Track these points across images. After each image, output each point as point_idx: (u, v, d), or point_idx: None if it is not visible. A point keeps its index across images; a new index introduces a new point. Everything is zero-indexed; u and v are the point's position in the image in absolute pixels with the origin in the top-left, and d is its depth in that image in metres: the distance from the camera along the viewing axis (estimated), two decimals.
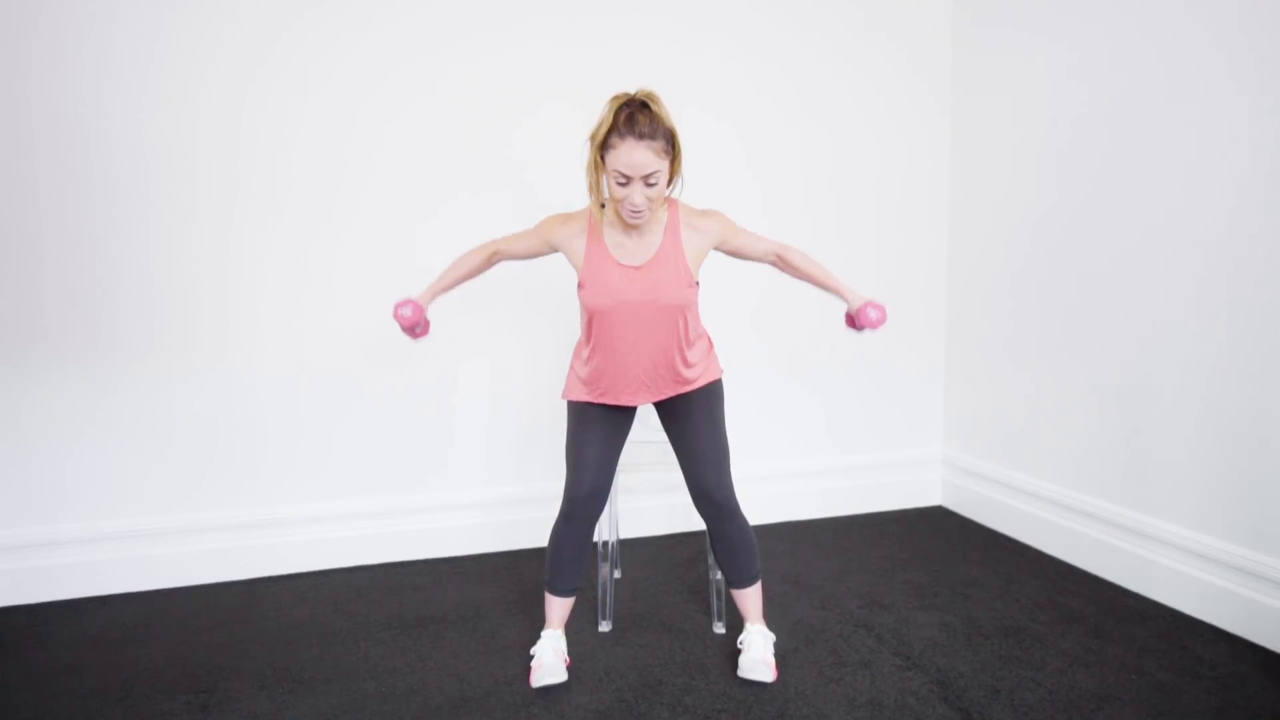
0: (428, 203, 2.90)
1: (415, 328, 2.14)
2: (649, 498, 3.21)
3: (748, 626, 2.22)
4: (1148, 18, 2.53)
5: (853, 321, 2.16)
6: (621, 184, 1.89)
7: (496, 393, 3.04)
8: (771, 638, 2.22)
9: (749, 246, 2.15)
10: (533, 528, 3.06)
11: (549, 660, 2.12)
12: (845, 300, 2.15)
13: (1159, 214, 2.53)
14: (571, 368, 2.21)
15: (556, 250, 2.12)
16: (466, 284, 2.93)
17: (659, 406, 2.23)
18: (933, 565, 2.87)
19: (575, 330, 2.84)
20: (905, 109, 3.35)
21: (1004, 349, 3.19)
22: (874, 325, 2.09)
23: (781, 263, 2.18)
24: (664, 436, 2.94)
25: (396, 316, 2.08)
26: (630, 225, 2.00)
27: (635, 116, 1.86)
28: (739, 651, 2.24)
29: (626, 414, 2.22)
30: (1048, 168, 2.92)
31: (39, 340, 2.61)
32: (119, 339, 2.68)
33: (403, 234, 2.89)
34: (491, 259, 2.17)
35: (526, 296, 3.00)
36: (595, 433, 2.15)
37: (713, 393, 2.19)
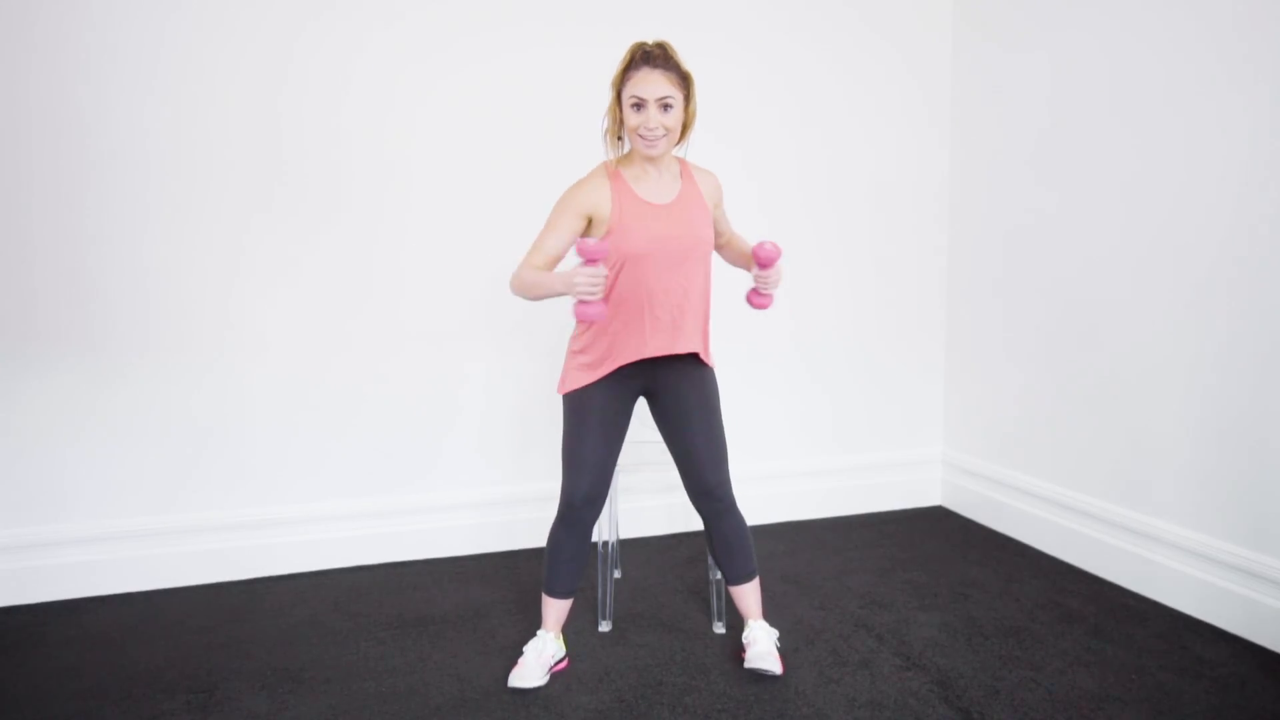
0: (425, 204, 2.90)
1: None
2: (649, 498, 3.21)
3: (750, 623, 2.22)
4: (1145, 19, 2.53)
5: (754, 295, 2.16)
6: (637, 106, 1.96)
7: (496, 393, 3.04)
8: (775, 633, 2.22)
9: (724, 221, 2.27)
10: (532, 527, 3.06)
11: (529, 663, 2.12)
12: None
13: (1158, 214, 2.53)
14: (568, 357, 2.16)
15: (589, 218, 2.03)
16: (465, 282, 2.96)
17: (652, 402, 2.19)
18: (933, 565, 2.87)
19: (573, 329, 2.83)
20: (906, 110, 3.35)
21: (1003, 349, 3.19)
22: (765, 264, 2.09)
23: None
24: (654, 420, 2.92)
25: (589, 314, 1.92)
26: (647, 157, 2.02)
27: (650, 52, 1.97)
28: (740, 650, 2.24)
29: (625, 407, 2.16)
30: (1047, 168, 2.92)
31: (37, 340, 2.61)
32: (117, 338, 2.68)
33: (400, 234, 2.89)
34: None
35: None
36: (594, 433, 2.11)
37: (708, 386, 2.17)
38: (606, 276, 1.93)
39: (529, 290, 2.02)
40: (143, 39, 2.61)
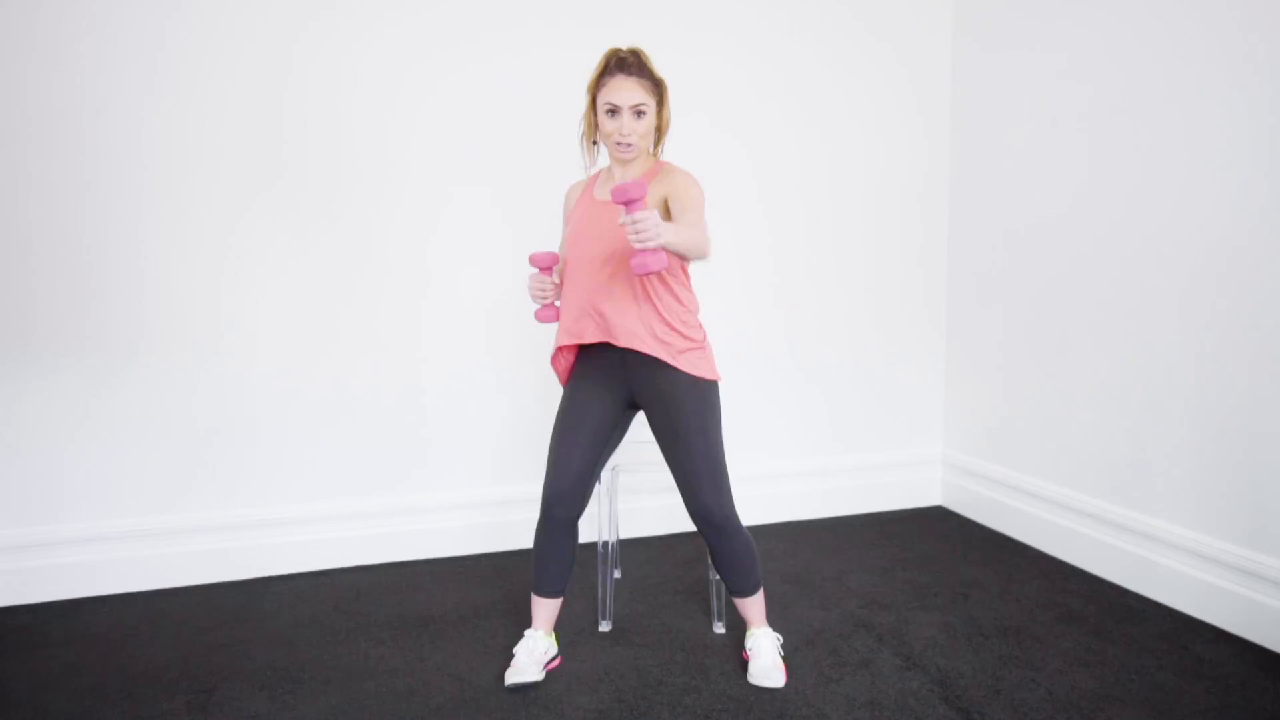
0: (424, 204, 2.90)
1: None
2: (649, 498, 3.21)
3: (753, 631, 2.20)
4: (1146, 18, 2.53)
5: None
6: (610, 113, 2.02)
7: (496, 393, 3.04)
8: (778, 639, 2.21)
9: (681, 212, 1.98)
10: (532, 528, 3.05)
11: (522, 661, 2.12)
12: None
13: (1158, 214, 2.53)
14: None
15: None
16: (465, 281, 2.96)
17: (647, 415, 2.13)
18: (933, 565, 2.87)
19: None
20: (906, 110, 3.35)
21: (1003, 349, 3.19)
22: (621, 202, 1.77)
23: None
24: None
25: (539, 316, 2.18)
26: (620, 160, 2.09)
27: (625, 59, 2.03)
28: (741, 653, 2.24)
29: (606, 412, 2.13)
30: (1047, 169, 2.92)
31: (35, 340, 2.61)
32: (117, 338, 2.68)
33: (398, 234, 2.89)
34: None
35: (529, 294, 3.00)
36: (570, 432, 2.09)
37: (705, 401, 2.08)
38: (555, 284, 2.14)
39: None
40: (141, 41, 2.61)
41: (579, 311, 2.10)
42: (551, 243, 2.73)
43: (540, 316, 2.17)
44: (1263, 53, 2.22)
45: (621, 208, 1.86)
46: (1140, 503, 2.63)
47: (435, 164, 2.90)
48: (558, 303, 2.19)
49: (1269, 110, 2.21)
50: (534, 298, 2.14)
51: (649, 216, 1.74)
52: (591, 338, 2.10)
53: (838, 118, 3.28)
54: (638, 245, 1.75)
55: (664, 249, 1.80)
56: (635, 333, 2.05)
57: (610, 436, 2.16)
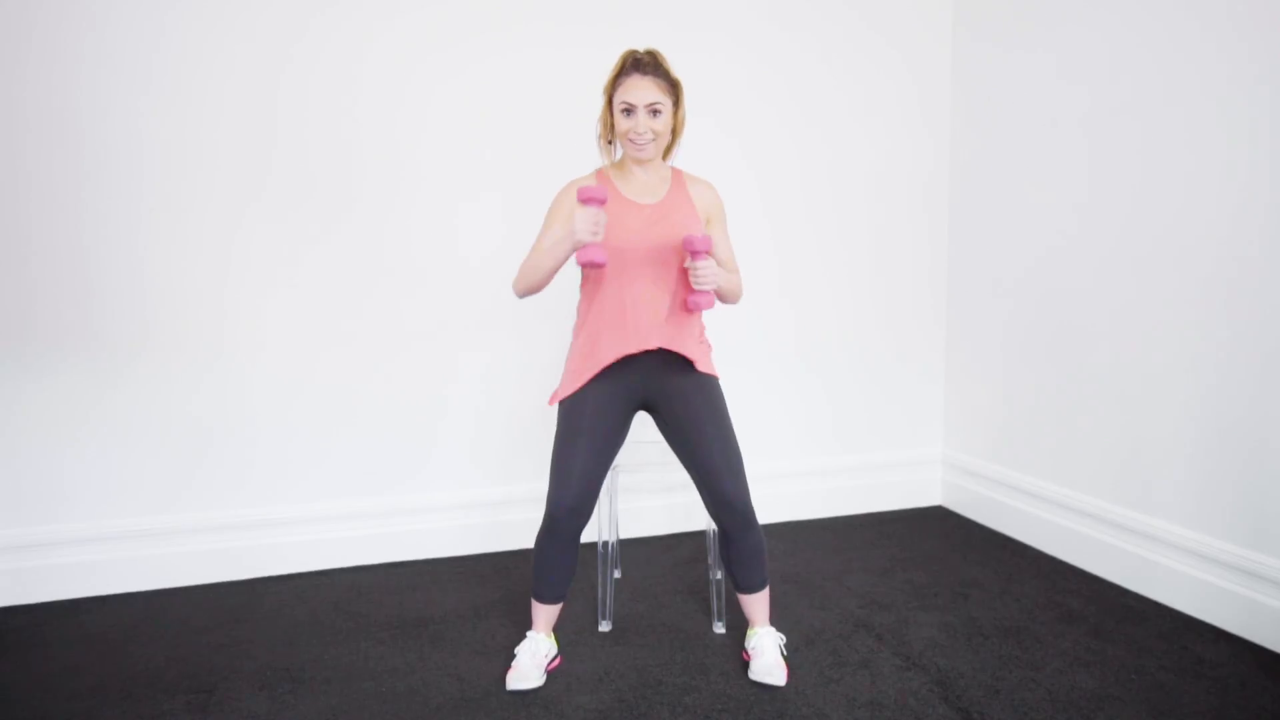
0: (423, 204, 2.90)
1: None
2: (649, 498, 3.21)
3: (755, 629, 2.21)
4: (1146, 18, 2.53)
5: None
6: (626, 112, 2.03)
7: (495, 394, 3.04)
8: (780, 638, 2.21)
9: (721, 243, 2.20)
10: (532, 528, 3.06)
11: (524, 665, 2.12)
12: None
13: (1159, 214, 2.53)
14: (566, 366, 2.19)
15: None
16: (467, 279, 2.96)
17: (655, 416, 2.17)
18: (933, 565, 2.87)
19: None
20: (906, 110, 3.35)
21: (1004, 349, 3.19)
22: (692, 251, 1.99)
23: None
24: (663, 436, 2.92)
25: (588, 251, 1.97)
26: (637, 160, 2.10)
27: (641, 60, 2.05)
28: (742, 652, 2.24)
29: (619, 420, 2.14)
30: (1048, 168, 2.92)
31: (36, 340, 2.61)
32: (117, 337, 2.68)
33: (398, 235, 2.89)
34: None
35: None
36: (583, 445, 2.07)
37: (714, 395, 2.15)
38: (605, 222, 1.98)
39: (532, 271, 2.09)
40: (140, 39, 2.61)
41: (640, 322, 2.07)
42: None
43: (585, 257, 1.95)
44: (1265, 52, 2.22)
45: (686, 251, 2.05)
46: (1140, 503, 2.63)
47: (439, 162, 2.90)
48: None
49: (1272, 111, 2.21)
50: (589, 235, 1.93)
51: (710, 265, 2.00)
52: (656, 344, 2.08)
53: (838, 117, 3.28)
54: (696, 287, 2.01)
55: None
56: (674, 335, 2.12)
57: (616, 444, 2.16)
